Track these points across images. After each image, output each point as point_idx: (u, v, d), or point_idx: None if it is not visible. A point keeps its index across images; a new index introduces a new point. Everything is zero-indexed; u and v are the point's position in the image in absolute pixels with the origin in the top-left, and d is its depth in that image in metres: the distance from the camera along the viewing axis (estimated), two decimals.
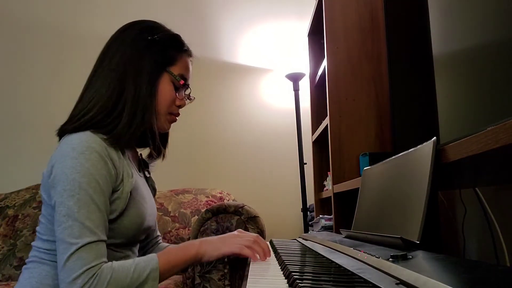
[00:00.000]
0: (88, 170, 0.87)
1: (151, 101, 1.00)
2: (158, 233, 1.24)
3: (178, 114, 1.09)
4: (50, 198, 0.91)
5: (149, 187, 1.14)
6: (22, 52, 2.67)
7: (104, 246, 0.88)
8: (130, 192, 0.97)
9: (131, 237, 1.00)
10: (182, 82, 1.05)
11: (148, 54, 1.01)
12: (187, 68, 1.08)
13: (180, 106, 1.08)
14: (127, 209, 0.96)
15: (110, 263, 0.87)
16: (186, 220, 2.05)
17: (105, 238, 0.88)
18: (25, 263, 0.99)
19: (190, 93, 1.11)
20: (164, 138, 1.14)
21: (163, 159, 1.14)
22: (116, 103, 0.97)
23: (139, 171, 1.11)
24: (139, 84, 0.99)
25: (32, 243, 1.00)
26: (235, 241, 0.98)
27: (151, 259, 0.90)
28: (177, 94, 1.06)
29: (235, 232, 1.06)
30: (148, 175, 1.15)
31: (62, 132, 0.97)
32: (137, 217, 0.99)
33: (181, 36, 1.09)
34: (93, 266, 0.83)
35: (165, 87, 1.03)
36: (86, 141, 0.90)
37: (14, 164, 2.56)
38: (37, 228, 0.99)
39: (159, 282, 0.90)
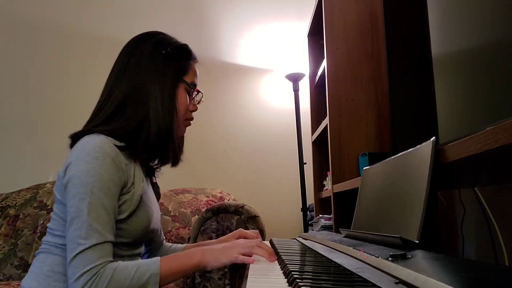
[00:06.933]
0: (101, 175, 0.92)
1: (176, 112, 1.06)
2: (163, 237, 1.27)
3: (192, 118, 1.15)
4: (64, 197, 0.96)
5: (154, 193, 1.17)
6: (21, 52, 2.67)
7: (110, 247, 0.91)
8: (141, 195, 1.01)
9: (138, 238, 1.05)
10: (196, 89, 1.13)
11: (166, 69, 1.07)
12: (196, 75, 1.14)
13: (193, 111, 1.14)
14: (137, 210, 1.00)
15: (115, 263, 0.89)
16: (186, 220, 2.05)
17: (112, 239, 0.92)
18: (26, 262, 1.01)
19: (201, 97, 1.17)
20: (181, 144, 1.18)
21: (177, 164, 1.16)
22: (142, 119, 1.02)
23: (146, 177, 1.13)
24: (162, 98, 1.04)
25: (43, 239, 1.03)
26: (235, 250, 0.97)
27: (154, 263, 0.92)
28: (190, 100, 1.12)
29: (241, 240, 1.05)
30: (154, 181, 1.19)
31: (78, 137, 1.00)
32: (145, 219, 1.03)
33: (180, 38, 1.14)
34: (96, 265, 0.86)
35: (182, 96, 1.09)
36: (101, 146, 0.94)
37: (15, 164, 2.57)
38: (49, 225, 1.03)
39: (160, 287, 0.91)
